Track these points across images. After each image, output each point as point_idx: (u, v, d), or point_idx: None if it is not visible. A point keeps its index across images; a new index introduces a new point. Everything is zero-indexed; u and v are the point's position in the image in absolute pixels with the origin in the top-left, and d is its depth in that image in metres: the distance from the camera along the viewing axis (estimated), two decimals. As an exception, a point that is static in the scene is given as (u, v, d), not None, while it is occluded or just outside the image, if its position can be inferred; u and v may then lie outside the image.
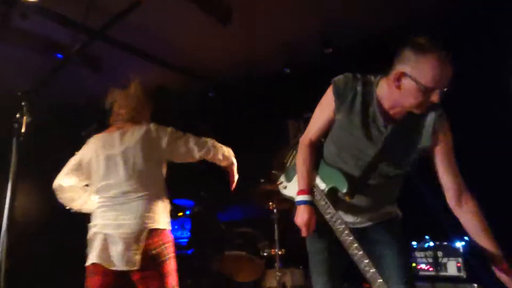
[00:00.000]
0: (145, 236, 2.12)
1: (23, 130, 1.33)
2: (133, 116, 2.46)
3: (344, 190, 1.78)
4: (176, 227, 5.03)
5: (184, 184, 4.80)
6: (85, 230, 2.24)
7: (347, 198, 1.79)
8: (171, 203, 4.22)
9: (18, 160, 1.35)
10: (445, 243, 3.16)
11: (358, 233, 1.85)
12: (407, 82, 1.57)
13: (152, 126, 2.41)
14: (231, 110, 4.75)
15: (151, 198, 2.25)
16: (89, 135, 4.87)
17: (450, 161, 1.72)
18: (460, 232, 3.16)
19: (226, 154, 2.57)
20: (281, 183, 2.14)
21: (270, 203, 3.54)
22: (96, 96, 4.79)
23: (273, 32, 3.88)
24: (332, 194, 1.85)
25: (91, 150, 2.39)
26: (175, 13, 3.55)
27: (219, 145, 2.55)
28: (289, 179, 2.10)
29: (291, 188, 2.06)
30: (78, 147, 2.49)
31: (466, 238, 3.15)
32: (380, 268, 1.77)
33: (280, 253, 3.53)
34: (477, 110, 3.31)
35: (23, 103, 1.43)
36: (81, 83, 4.46)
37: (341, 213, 1.87)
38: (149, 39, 3.94)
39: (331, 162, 1.88)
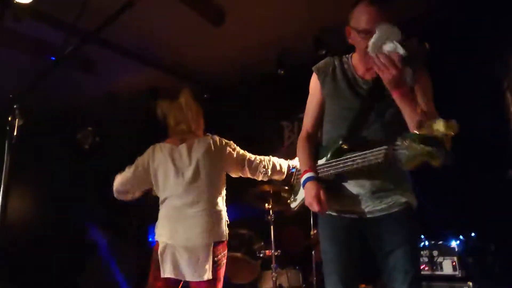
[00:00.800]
0: (211, 248, 2.32)
1: (15, 133, 1.32)
2: (193, 128, 2.59)
3: (340, 142, 1.82)
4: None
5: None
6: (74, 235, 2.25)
7: (344, 146, 1.81)
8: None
9: (11, 164, 1.34)
10: (440, 242, 3.16)
11: (369, 226, 1.82)
12: (353, 34, 1.81)
13: (215, 137, 2.60)
14: (226, 111, 4.74)
15: (217, 211, 2.44)
16: (85, 138, 4.85)
17: (428, 100, 1.78)
18: (455, 231, 3.19)
19: (278, 169, 2.69)
20: (290, 200, 2.13)
21: (266, 204, 3.53)
22: (90, 98, 4.81)
23: (266, 32, 3.89)
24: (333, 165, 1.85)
25: (160, 159, 2.49)
26: (168, 14, 3.55)
27: (270, 162, 2.67)
28: (295, 193, 2.10)
29: (298, 196, 2.05)
30: (72, 150, 2.48)
31: (461, 237, 3.16)
32: (386, 269, 1.77)
33: (276, 254, 3.52)
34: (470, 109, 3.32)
35: (15, 106, 1.42)
36: (75, 85, 4.45)
37: (349, 201, 1.84)
38: (143, 41, 3.93)
39: (328, 140, 1.92)
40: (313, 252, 3.57)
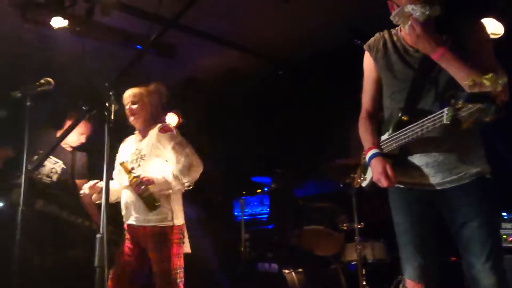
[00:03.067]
0: None
1: (112, 117, 1.47)
2: None
3: (399, 114, 1.81)
4: (255, 203, 5.20)
5: (261, 161, 4.92)
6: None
7: (404, 118, 1.79)
8: (250, 180, 4.37)
9: (110, 145, 1.50)
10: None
11: (440, 198, 1.78)
12: (395, 7, 1.79)
13: None
14: (302, 87, 4.73)
15: None
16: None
17: (479, 55, 1.71)
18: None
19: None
20: (361, 180, 2.14)
21: (347, 178, 3.52)
22: (173, 82, 5.07)
23: (338, 2, 3.77)
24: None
25: None
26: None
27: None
28: (365, 172, 2.09)
29: (368, 175, 2.04)
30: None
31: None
32: (461, 241, 1.72)
33: (359, 226, 3.51)
34: None
35: (111, 93, 1.57)
36: (159, 70, 4.71)
37: (416, 173, 1.81)
38: (220, 23, 4.04)
39: (389, 115, 1.91)
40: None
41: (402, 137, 1.76)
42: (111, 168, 1.71)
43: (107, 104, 1.53)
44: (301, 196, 4.53)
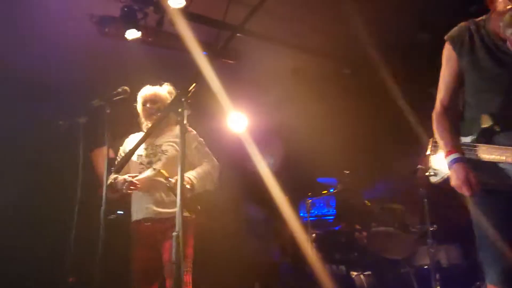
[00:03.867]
0: None
1: (185, 121, 1.56)
2: None
3: (490, 123, 1.66)
4: (321, 204, 5.17)
5: (327, 163, 4.88)
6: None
7: (496, 128, 1.66)
8: (315, 181, 4.35)
9: (182, 145, 1.58)
10: None
11: None
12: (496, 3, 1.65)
13: None
14: (369, 85, 4.63)
15: None
16: (236, 122, 5.23)
17: None
18: None
19: None
20: (429, 174, 2.02)
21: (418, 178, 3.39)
22: (239, 85, 5.18)
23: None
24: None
25: None
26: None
27: None
28: (434, 166, 1.98)
29: (440, 168, 1.93)
30: (227, 134, 2.75)
31: None
32: None
33: (431, 229, 3.37)
34: None
35: (182, 99, 1.65)
36: (225, 74, 4.84)
37: (503, 174, 1.67)
38: (281, 25, 4.08)
39: (472, 116, 1.77)
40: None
41: (496, 154, 1.64)
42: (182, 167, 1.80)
43: (179, 110, 1.61)
44: (370, 198, 4.44)
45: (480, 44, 1.74)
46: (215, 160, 2.76)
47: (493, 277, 1.69)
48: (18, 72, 4.69)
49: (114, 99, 2.59)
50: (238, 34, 3.53)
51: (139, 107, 2.78)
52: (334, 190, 4.87)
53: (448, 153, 1.77)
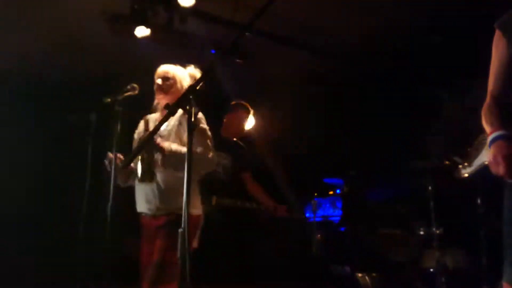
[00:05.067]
0: None
1: (193, 119, 1.57)
2: None
3: None
4: (327, 205, 5.16)
5: (334, 163, 4.87)
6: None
7: None
8: (322, 182, 4.34)
9: (189, 142, 1.59)
10: None
11: None
12: None
13: None
14: (376, 86, 4.62)
15: None
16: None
17: None
18: None
19: None
20: (461, 166, 1.92)
21: (424, 180, 3.38)
22: (245, 85, 5.19)
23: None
24: None
25: None
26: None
27: None
28: (471, 159, 1.86)
29: (475, 161, 1.81)
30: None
31: None
32: None
33: (437, 232, 3.35)
34: None
35: (190, 97, 1.66)
36: (232, 74, 4.85)
37: None
38: (292, 27, 4.08)
39: None
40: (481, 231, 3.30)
41: None
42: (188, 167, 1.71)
43: (187, 107, 1.62)
44: (375, 199, 4.43)
45: None
46: (208, 151, 2.46)
47: (509, 275, 1.55)
48: (30, 69, 4.76)
49: (124, 95, 2.62)
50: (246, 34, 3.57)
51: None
52: (340, 191, 4.88)
53: (491, 132, 1.58)
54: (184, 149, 2.32)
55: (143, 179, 2.42)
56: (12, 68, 4.67)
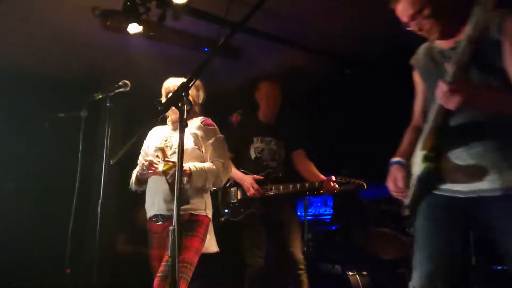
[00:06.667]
0: None
1: (185, 117, 1.56)
2: None
3: (422, 143, 1.72)
4: (319, 203, 5.18)
5: (326, 161, 4.87)
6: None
7: (427, 145, 1.70)
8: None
9: (181, 141, 1.57)
10: None
11: (470, 207, 1.62)
12: None
13: None
14: (369, 85, 4.63)
15: None
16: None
17: None
18: None
19: None
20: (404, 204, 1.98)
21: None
22: (238, 82, 5.19)
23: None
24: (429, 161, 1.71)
25: None
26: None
27: None
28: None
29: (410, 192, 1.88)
30: (225, 130, 2.73)
31: None
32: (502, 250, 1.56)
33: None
34: None
35: (183, 93, 1.65)
36: (225, 71, 4.85)
37: (447, 178, 1.67)
38: (285, 24, 4.07)
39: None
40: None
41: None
42: (180, 163, 1.69)
43: (180, 105, 1.60)
44: (367, 198, 4.44)
45: (428, 58, 1.83)
46: (228, 161, 2.62)
47: (415, 279, 1.68)
48: (19, 66, 4.70)
49: (115, 92, 2.60)
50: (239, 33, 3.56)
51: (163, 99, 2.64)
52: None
53: (393, 157, 1.89)
54: (206, 165, 2.46)
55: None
56: (1, 65, 4.61)
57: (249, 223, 3.28)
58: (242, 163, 3.41)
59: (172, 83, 2.65)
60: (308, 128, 3.79)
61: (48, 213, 4.37)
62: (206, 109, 2.73)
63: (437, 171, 1.69)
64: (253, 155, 3.42)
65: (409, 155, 1.84)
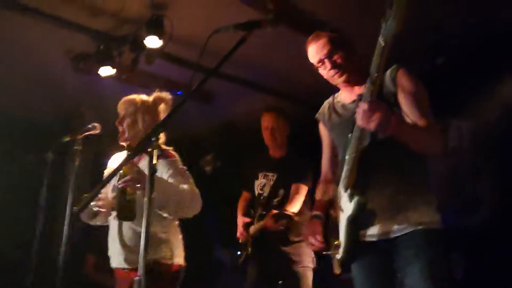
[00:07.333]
0: None
1: (154, 161, 1.53)
2: None
3: (344, 184, 1.79)
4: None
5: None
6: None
7: (349, 183, 1.77)
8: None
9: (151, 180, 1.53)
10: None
11: (388, 247, 1.70)
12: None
13: None
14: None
15: None
16: (207, 163, 5.17)
17: (412, 105, 1.72)
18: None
19: None
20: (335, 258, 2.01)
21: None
22: (210, 126, 5.21)
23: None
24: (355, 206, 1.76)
25: None
26: (277, 44, 3.69)
27: None
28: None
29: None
30: (196, 175, 2.67)
31: None
32: None
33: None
34: None
35: (152, 139, 1.63)
36: (196, 115, 4.86)
37: (364, 223, 1.75)
38: (257, 70, 4.17)
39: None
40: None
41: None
42: (148, 212, 1.56)
43: (149, 150, 1.57)
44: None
45: (332, 111, 2.02)
46: (196, 189, 2.27)
47: None
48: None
49: (84, 134, 2.54)
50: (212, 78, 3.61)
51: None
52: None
53: (312, 210, 1.99)
54: (171, 187, 2.16)
55: (121, 217, 2.10)
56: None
57: (244, 268, 3.19)
58: (251, 200, 3.29)
59: (121, 101, 2.48)
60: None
61: (7, 260, 4.16)
62: (177, 152, 2.68)
63: (365, 207, 1.73)
64: (256, 192, 3.26)
65: (325, 208, 1.93)
